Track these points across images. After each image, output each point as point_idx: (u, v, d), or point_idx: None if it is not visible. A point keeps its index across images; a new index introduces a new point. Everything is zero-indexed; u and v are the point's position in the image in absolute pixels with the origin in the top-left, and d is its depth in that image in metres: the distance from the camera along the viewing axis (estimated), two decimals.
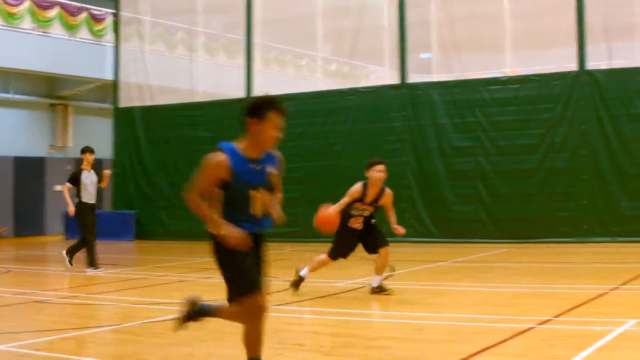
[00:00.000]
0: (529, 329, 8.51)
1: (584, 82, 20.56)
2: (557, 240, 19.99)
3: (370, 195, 11.76)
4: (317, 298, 11.53)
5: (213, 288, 13.07)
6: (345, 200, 11.55)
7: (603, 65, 20.71)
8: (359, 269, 14.45)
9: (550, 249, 19.15)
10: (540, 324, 8.79)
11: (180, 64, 26.80)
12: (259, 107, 6.17)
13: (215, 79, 26.19)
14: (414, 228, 21.28)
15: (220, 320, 6.48)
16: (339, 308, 10.51)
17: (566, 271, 15.16)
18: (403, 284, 13.07)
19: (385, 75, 23.40)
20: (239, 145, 6.22)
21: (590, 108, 20.41)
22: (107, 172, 16.61)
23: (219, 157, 6.12)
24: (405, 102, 22.28)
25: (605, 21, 20.59)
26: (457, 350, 7.48)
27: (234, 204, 6.17)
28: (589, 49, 20.65)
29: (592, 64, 20.66)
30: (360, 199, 11.68)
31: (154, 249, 22.31)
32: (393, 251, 19.59)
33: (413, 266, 16.06)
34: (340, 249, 11.94)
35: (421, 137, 21.89)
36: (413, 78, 22.72)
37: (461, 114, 21.77)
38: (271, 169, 6.31)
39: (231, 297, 6.22)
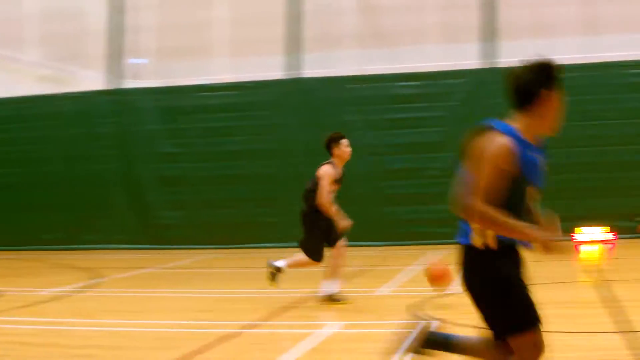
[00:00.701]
0: (235, 333, 8.69)
1: (294, 89, 21.11)
2: (265, 246, 20.34)
3: (340, 173, 10.64)
4: (20, 307, 11.18)
5: None
6: (327, 185, 10.40)
7: (316, 73, 21.24)
8: (59, 276, 14.20)
9: (258, 254, 19.50)
10: (245, 328, 9.00)
11: None
12: (554, 75, 4.43)
13: None
14: (118, 235, 21.22)
15: None
16: (43, 317, 10.24)
17: None
18: (109, 292, 12.97)
19: (96, 80, 22.93)
20: (515, 125, 4.46)
21: (298, 115, 20.96)
22: None
23: (504, 141, 4.32)
24: (115, 108, 21.94)
25: (319, 30, 21.21)
26: (163, 357, 7.54)
27: (510, 206, 4.40)
28: (303, 57, 21.18)
29: (306, 72, 21.11)
30: (337, 179, 10.59)
31: None
32: (102, 258, 19.40)
33: (119, 273, 15.93)
34: (321, 245, 10.70)
35: (130, 144, 21.69)
36: (125, 84, 22.46)
37: (172, 120, 21.77)
38: (544, 163, 4.57)
39: (505, 331, 4.55)
